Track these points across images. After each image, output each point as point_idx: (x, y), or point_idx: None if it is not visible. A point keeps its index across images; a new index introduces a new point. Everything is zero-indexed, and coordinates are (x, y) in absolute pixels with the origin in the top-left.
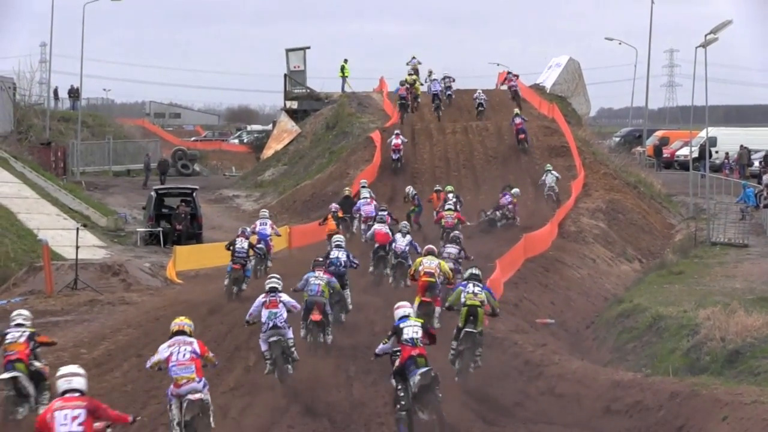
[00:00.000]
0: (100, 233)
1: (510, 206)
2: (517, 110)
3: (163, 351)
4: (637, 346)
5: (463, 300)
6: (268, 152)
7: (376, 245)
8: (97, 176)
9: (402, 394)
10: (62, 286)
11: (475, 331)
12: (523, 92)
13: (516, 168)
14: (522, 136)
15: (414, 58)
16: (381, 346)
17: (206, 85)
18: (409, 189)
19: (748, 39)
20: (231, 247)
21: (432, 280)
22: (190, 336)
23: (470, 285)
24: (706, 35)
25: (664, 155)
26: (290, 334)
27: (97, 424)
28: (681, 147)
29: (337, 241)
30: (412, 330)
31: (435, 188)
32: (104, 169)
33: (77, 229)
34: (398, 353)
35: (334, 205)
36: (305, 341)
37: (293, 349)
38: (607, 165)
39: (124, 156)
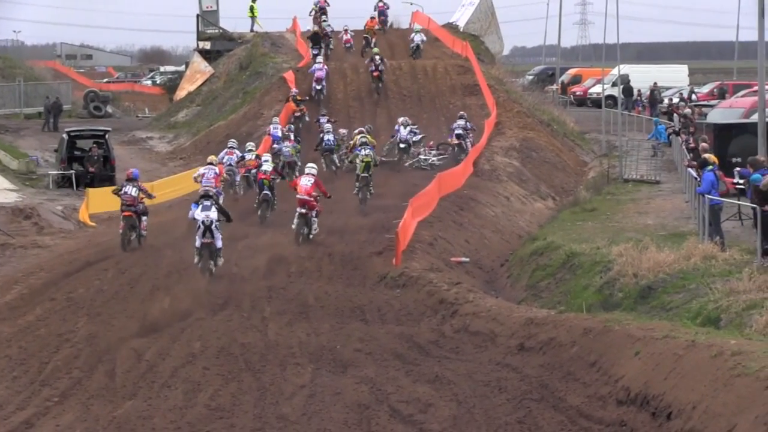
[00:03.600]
0: (11, 176)
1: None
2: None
3: (201, 170)
4: (550, 284)
5: (360, 159)
6: (181, 93)
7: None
8: (8, 119)
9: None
10: None
11: (367, 175)
12: (436, 31)
13: (430, 107)
14: (376, 74)
15: None
16: None
17: (118, 26)
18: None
19: None
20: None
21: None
22: (215, 165)
23: (363, 149)
24: None
25: (577, 93)
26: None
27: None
28: (593, 85)
29: (328, 128)
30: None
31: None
32: (15, 111)
33: None
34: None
35: (294, 90)
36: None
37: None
38: (520, 103)
39: (36, 98)
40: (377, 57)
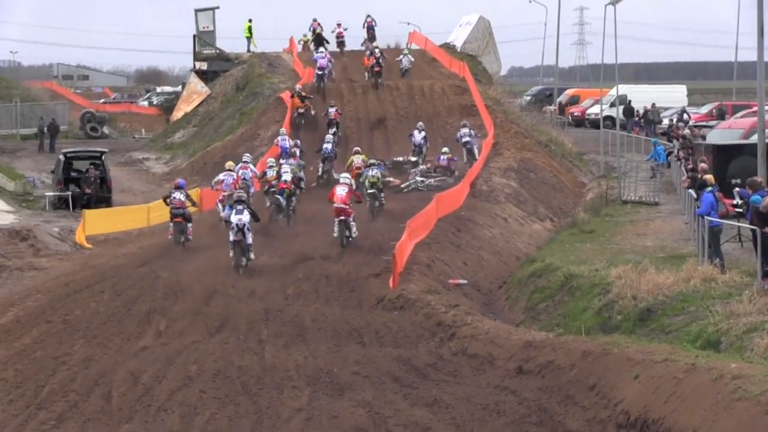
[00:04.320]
0: (8, 198)
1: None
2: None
3: (221, 176)
4: (549, 306)
5: (369, 178)
6: (177, 114)
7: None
8: (5, 140)
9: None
10: None
11: (375, 191)
12: (434, 51)
13: (427, 128)
14: (377, 69)
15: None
16: None
17: (115, 47)
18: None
19: None
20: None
21: (360, 170)
22: (233, 171)
23: (370, 169)
24: None
25: (575, 113)
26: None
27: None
28: (591, 105)
29: (328, 138)
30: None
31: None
32: (12, 132)
33: None
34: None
35: (298, 86)
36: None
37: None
38: (518, 124)
39: (32, 119)
40: (377, 50)
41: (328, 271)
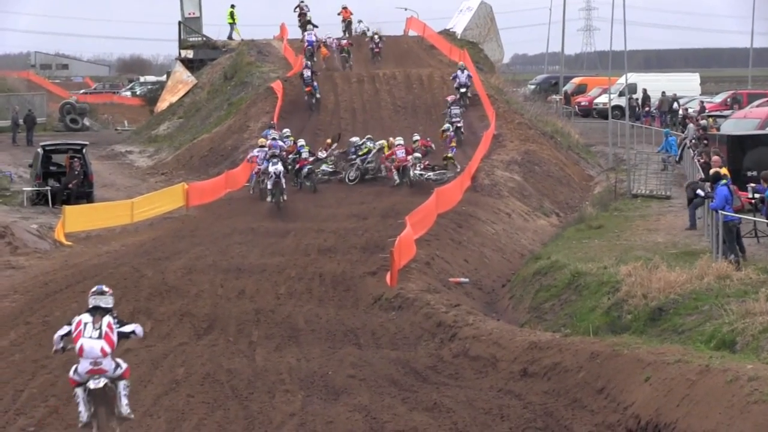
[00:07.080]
0: None
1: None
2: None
3: (254, 152)
4: (555, 305)
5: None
6: (162, 105)
7: None
8: None
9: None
10: None
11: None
12: (432, 38)
13: (425, 119)
14: (377, 50)
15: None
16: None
17: (96, 34)
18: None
19: None
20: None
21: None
22: (265, 147)
23: (369, 140)
24: None
25: (582, 103)
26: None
27: None
28: (599, 94)
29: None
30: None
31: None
32: None
33: None
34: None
35: (327, 39)
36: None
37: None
38: (521, 114)
39: (8, 111)
40: (376, 36)
41: (322, 270)
